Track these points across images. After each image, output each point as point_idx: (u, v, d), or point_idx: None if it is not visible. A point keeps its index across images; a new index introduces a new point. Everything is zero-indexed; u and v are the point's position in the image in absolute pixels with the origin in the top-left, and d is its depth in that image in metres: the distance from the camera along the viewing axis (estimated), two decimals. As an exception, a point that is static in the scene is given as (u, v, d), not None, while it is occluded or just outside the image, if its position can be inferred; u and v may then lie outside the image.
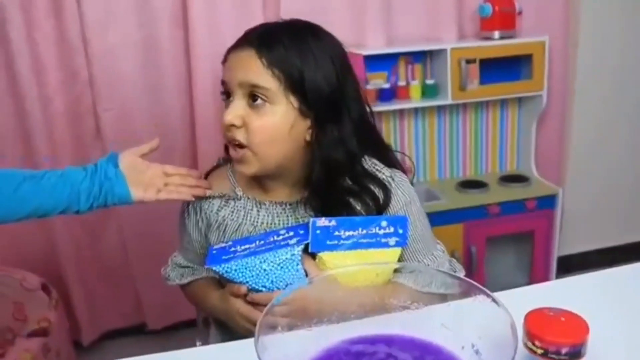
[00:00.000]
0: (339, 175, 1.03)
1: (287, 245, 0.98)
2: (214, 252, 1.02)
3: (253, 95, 0.97)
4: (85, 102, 1.99)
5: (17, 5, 1.80)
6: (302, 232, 1.00)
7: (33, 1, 1.82)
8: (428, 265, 1.09)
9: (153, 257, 2.07)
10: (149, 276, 2.14)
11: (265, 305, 0.88)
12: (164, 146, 2.03)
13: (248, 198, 1.09)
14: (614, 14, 2.39)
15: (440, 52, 2.11)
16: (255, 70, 0.96)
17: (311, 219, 0.99)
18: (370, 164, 1.09)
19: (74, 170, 1.04)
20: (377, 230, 0.98)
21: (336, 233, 0.98)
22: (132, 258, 2.17)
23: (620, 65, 2.48)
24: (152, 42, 1.97)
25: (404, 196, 1.07)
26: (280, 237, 1.00)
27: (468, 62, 2.08)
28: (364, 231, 0.98)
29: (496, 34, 2.13)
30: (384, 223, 0.99)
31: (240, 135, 0.99)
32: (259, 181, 1.09)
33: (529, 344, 0.68)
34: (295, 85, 0.96)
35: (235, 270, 0.98)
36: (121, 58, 1.96)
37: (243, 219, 1.09)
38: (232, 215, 1.09)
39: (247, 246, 1.00)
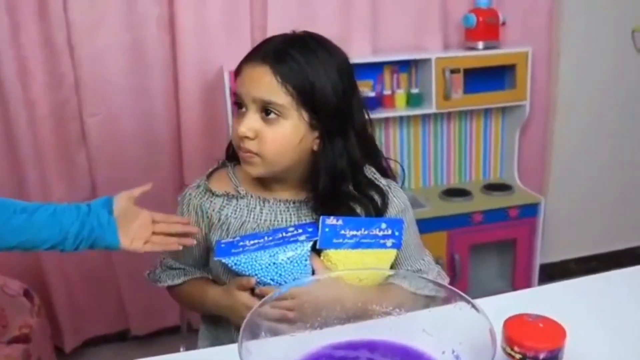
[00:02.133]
0: (343, 182, 1.08)
1: (297, 241, 1.03)
2: (223, 245, 1.05)
3: (266, 110, 1.01)
4: (70, 107, 1.98)
5: (2, 8, 1.79)
6: (310, 229, 1.05)
7: (18, 4, 1.81)
8: (420, 270, 1.15)
9: (137, 263, 2.05)
10: (133, 282, 2.13)
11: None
12: (150, 151, 2.07)
13: (251, 196, 1.12)
14: (597, 24, 2.43)
15: (425, 62, 2.14)
16: (269, 87, 1.00)
17: (321, 217, 1.05)
18: (370, 172, 1.14)
19: (66, 209, 1.03)
20: (377, 232, 1.05)
21: (342, 232, 1.04)
22: (116, 263, 2.16)
23: (602, 76, 2.52)
24: (138, 47, 1.97)
25: (400, 204, 1.13)
26: (289, 234, 1.05)
27: (452, 71, 2.10)
28: (366, 232, 1.04)
29: (480, 44, 2.16)
30: (383, 225, 1.06)
31: (252, 146, 1.03)
32: (263, 180, 1.12)
33: (508, 349, 0.69)
34: (306, 99, 1.01)
35: (245, 263, 1.02)
36: (107, 63, 1.96)
37: (247, 216, 1.11)
38: (235, 214, 1.11)
39: (255, 241, 1.04)
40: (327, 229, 1.04)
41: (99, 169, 2.04)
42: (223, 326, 1.17)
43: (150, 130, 2.07)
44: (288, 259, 1.02)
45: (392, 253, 1.06)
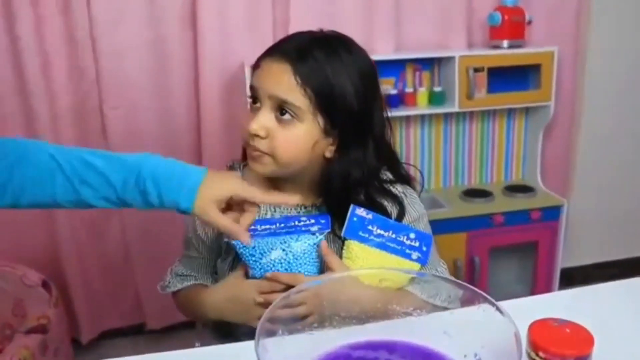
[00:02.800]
0: (355, 190, 1.05)
1: (309, 232, 1.01)
2: None
3: (281, 109, 0.98)
4: (91, 101, 1.99)
5: (27, 1, 1.81)
6: (323, 221, 1.03)
7: (42, -3, 1.82)
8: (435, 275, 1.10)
9: (155, 257, 2.08)
10: (150, 276, 2.13)
11: (285, 286, 0.93)
12: (169, 147, 2.07)
13: None
14: (625, 26, 2.39)
15: (449, 60, 2.11)
16: (288, 86, 0.96)
17: (352, 206, 1.02)
18: (385, 178, 1.11)
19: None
20: (405, 240, 1.02)
21: (369, 227, 1.01)
22: (134, 257, 2.17)
23: (629, 78, 2.47)
24: (160, 42, 1.98)
25: (415, 213, 1.10)
26: (302, 223, 1.03)
27: (476, 70, 2.07)
28: (393, 235, 1.02)
29: (505, 43, 2.13)
30: (412, 235, 1.03)
31: (262, 146, 0.99)
32: (274, 184, 1.09)
33: (533, 355, 0.67)
34: (324, 103, 0.97)
35: (254, 248, 1.00)
36: (129, 57, 1.96)
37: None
38: None
39: (267, 226, 1.03)
40: (355, 219, 1.01)
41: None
42: (223, 334, 1.16)
43: (170, 127, 2.07)
44: (299, 249, 1.01)
45: (415, 267, 1.03)
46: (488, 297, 0.68)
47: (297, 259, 1.01)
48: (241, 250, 1.01)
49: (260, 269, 1.02)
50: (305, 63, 0.97)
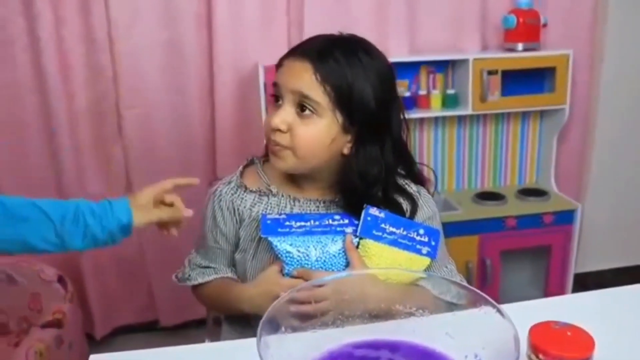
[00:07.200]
0: (373, 187, 1.07)
1: (344, 232, 1.04)
2: (268, 222, 1.05)
3: (302, 105, 1.01)
4: (108, 100, 2.02)
5: (47, 2, 1.84)
6: (357, 222, 1.06)
7: (62, -1, 1.86)
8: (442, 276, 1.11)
9: (169, 255, 2.09)
10: (164, 273, 2.15)
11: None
12: (184, 147, 2.09)
13: (282, 195, 1.12)
14: (641, 30, 2.37)
15: (462, 62, 2.11)
16: (308, 82, 1.00)
17: (365, 205, 1.06)
18: (400, 177, 1.14)
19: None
20: (415, 236, 1.06)
21: (382, 225, 1.05)
22: (148, 255, 2.19)
23: (645, 82, 2.45)
24: (176, 43, 2.00)
25: (428, 211, 1.13)
26: (336, 222, 1.06)
27: (490, 73, 2.07)
28: (405, 232, 1.05)
29: (520, 45, 2.12)
30: (421, 231, 1.06)
31: (283, 140, 1.03)
32: (293, 179, 1.12)
33: (533, 357, 0.67)
34: (343, 100, 1.01)
35: (290, 245, 1.03)
36: (145, 58, 1.99)
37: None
38: (266, 211, 1.10)
39: (302, 223, 1.05)
40: (369, 218, 1.04)
41: (134, 163, 2.07)
42: (243, 325, 1.17)
43: (185, 126, 2.09)
44: (335, 249, 1.03)
45: (426, 261, 1.06)
46: (489, 299, 0.68)
47: (332, 259, 1.04)
48: (277, 246, 1.03)
49: (297, 266, 1.03)
50: (325, 63, 1.00)
